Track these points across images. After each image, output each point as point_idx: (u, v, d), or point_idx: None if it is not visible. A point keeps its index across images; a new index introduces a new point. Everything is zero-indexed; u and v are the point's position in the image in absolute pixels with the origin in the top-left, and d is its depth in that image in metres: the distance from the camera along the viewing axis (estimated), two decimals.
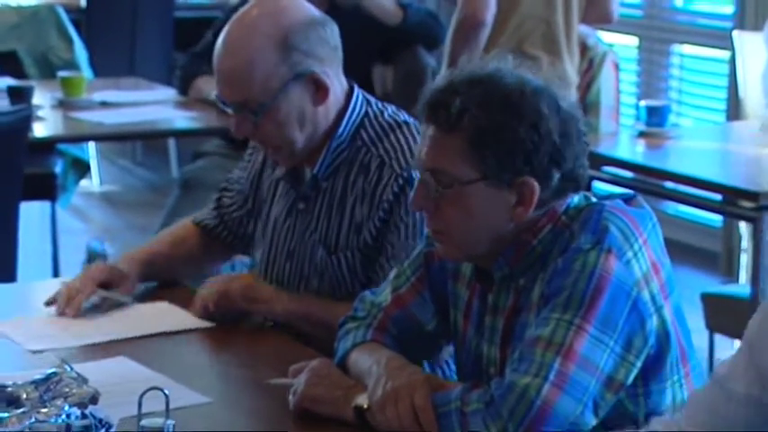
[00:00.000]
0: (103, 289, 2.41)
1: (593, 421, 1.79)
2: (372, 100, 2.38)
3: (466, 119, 1.83)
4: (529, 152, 1.83)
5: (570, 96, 1.94)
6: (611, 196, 1.97)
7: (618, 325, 1.79)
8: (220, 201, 2.56)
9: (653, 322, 1.83)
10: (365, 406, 1.86)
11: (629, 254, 1.83)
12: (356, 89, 2.37)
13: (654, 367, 1.85)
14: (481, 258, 1.92)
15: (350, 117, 2.33)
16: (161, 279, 2.53)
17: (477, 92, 1.85)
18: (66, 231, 5.23)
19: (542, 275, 1.86)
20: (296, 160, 2.35)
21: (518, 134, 1.83)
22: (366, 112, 2.36)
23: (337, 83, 2.33)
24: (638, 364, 1.82)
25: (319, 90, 2.30)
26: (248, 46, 2.25)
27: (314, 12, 2.32)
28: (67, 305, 2.36)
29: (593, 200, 1.93)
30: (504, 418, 1.74)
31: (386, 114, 2.36)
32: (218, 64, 2.30)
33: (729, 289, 4.02)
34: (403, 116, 2.36)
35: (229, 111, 2.32)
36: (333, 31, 2.31)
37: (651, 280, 1.84)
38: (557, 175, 1.86)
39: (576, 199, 1.91)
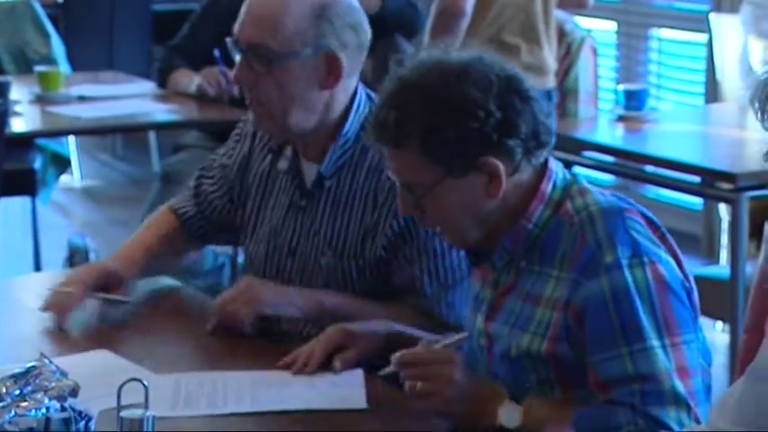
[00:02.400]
0: (100, 292, 2.32)
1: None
2: (375, 97, 2.30)
3: (406, 131, 1.85)
4: (475, 138, 1.84)
5: (512, 63, 1.95)
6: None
7: (690, 316, 1.86)
8: (200, 188, 2.50)
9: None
10: (513, 427, 1.84)
11: (662, 253, 1.86)
12: (359, 85, 2.33)
13: None
14: (481, 242, 1.93)
15: (355, 114, 2.30)
16: (150, 275, 2.48)
17: (407, 100, 1.86)
18: (47, 227, 5.22)
19: (558, 272, 1.86)
20: (282, 137, 2.33)
21: (457, 126, 1.84)
22: (370, 110, 2.26)
23: (349, 82, 2.30)
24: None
25: (330, 74, 2.27)
26: None
27: (358, 4, 2.30)
28: (61, 316, 2.27)
29: (583, 182, 1.93)
30: None
31: None
32: (249, 5, 2.28)
33: (710, 270, 4.03)
34: None
35: (236, 57, 2.27)
36: (366, 34, 2.29)
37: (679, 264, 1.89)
38: (516, 144, 1.86)
39: (560, 175, 1.92)
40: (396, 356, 1.90)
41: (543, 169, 1.91)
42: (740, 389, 1.57)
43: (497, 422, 1.84)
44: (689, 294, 1.87)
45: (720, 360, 3.92)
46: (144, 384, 1.59)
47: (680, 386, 1.78)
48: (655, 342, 1.79)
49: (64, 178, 5.76)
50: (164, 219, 2.53)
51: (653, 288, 1.81)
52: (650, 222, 1.89)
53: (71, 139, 5.69)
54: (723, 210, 4.31)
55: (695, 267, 4.78)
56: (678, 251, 1.91)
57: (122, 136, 7.02)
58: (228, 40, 2.31)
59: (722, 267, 4.05)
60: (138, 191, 6.21)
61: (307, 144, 2.33)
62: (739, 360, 2.19)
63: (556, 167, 1.92)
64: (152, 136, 6.75)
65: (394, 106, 1.87)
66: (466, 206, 1.88)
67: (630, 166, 3.91)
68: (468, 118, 1.83)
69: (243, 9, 2.29)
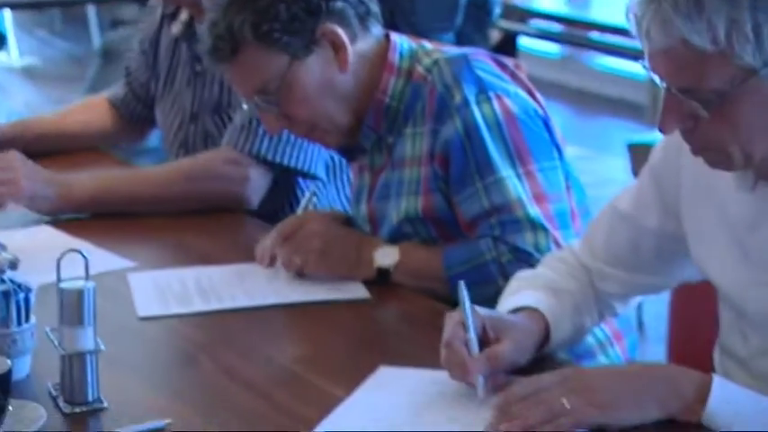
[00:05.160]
0: None
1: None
2: None
3: (237, 30, 1.85)
4: (303, 8, 1.85)
5: None
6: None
7: (547, 143, 1.90)
8: (128, 68, 2.52)
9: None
10: (391, 268, 1.87)
11: (510, 87, 1.91)
12: None
13: None
14: (354, 132, 1.94)
15: None
16: (49, 145, 2.47)
17: (227, 8, 1.86)
18: None
19: (413, 129, 1.90)
20: None
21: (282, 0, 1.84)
22: None
23: None
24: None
25: None
26: None
27: None
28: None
29: (427, 45, 1.96)
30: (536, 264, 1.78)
31: None
32: None
33: (654, 138, 4.05)
34: None
35: None
36: None
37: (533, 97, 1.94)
38: (345, 6, 1.87)
39: (405, 45, 1.95)
40: (261, 247, 1.91)
41: (387, 43, 1.94)
42: (606, 229, 1.67)
43: (374, 265, 1.88)
44: (546, 124, 1.91)
45: None
46: (84, 255, 1.56)
47: (535, 211, 1.83)
48: (506, 173, 1.85)
49: (1, 57, 5.64)
50: (91, 102, 2.58)
51: (502, 120, 1.86)
52: (498, 62, 1.94)
53: (7, 14, 5.55)
54: None
55: (640, 134, 4.80)
56: (532, 87, 1.95)
57: (60, 11, 6.88)
58: None
59: None
60: (78, 69, 6.10)
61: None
62: None
63: (399, 39, 1.96)
64: (91, 10, 6.62)
65: (220, 19, 1.86)
66: (322, 86, 1.88)
67: (576, 34, 3.89)
68: None
69: None
